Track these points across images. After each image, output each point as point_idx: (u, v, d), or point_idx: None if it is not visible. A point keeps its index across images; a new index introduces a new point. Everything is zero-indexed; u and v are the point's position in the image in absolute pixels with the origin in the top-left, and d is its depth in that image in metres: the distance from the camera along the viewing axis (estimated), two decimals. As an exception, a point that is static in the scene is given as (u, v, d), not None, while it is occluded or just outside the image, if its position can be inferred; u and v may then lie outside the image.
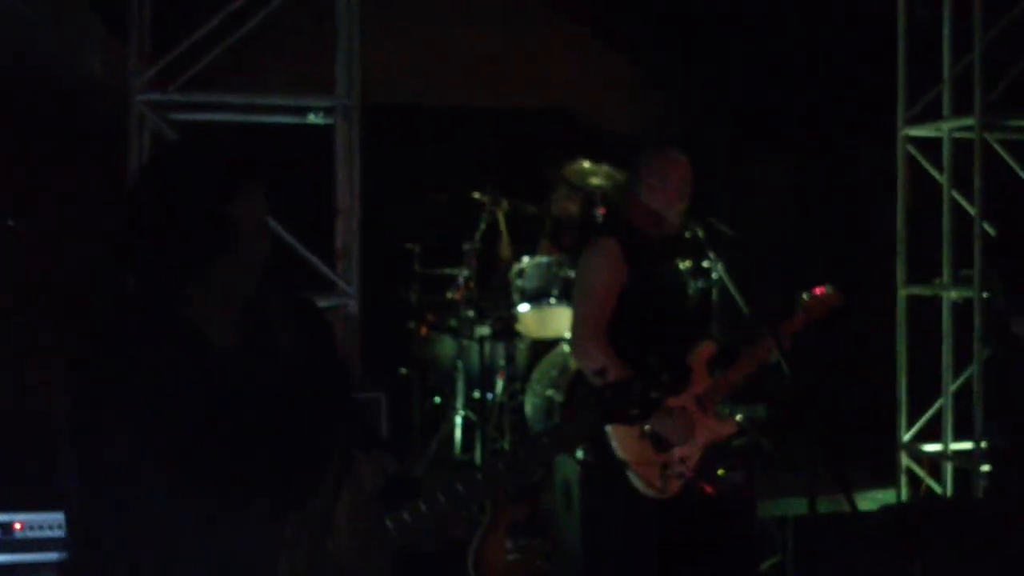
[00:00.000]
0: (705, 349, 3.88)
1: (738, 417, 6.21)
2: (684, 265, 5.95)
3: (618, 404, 2.70)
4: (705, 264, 6.22)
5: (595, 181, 6.12)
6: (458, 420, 6.14)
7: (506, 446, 5.69)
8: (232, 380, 2.26)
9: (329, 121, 5.07)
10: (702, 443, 3.81)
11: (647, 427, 3.67)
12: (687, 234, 6.25)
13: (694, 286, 6.03)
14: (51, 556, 3.65)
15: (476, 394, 6.07)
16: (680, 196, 4.00)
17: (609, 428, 3.74)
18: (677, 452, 3.78)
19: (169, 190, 2.22)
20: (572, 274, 5.61)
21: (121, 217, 2.23)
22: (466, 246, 6.18)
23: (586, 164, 6.07)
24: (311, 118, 5.13)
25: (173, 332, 2.23)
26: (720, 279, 6.24)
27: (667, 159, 4.01)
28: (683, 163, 4.03)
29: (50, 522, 3.68)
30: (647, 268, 3.85)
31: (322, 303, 4.80)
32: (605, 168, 6.08)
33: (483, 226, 6.20)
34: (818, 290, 4.04)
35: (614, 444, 3.74)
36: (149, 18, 5.08)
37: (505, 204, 6.22)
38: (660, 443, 3.74)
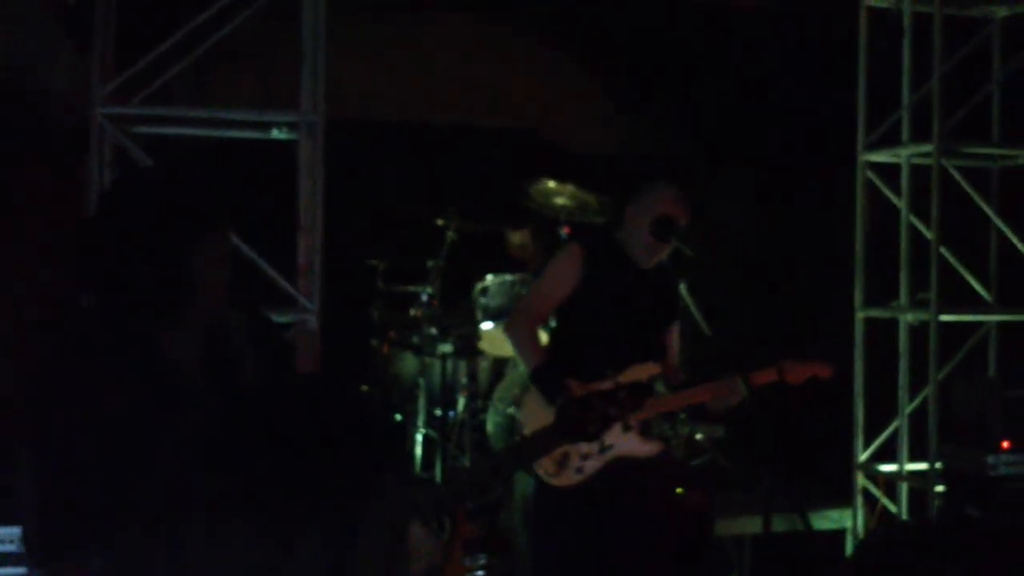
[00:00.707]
0: (647, 369, 3.92)
1: (698, 436, 6.27)
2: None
3: (577, 420, 2.74)
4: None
5: (560, 201, 6.16)
6: (419, 438, 6.14)
7: (467, 464, 5.69)
8: (195, 402, 2.24)
9: (293, 137, 5.07)
10: (613, 454, 3.86)
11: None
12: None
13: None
14: (9, 571, 3.62)
15: (438, 412, 6.07)
16: (649, 238, 4.02)
17: (520, 412, 3.96)
18: (581, 446, 3.83)
19: (126, 234, 2.18)
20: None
21: (80, 242, 2.21)
22: (430, 263, 6.19)
23: (551, 184, 6.11)
24: (275, 133, 5.13)
25: (135, 353, 2.20)
26: (683, 300, 6.30)
27: (657, 194, 4.09)
28: (673, 203, 4.05)
29: (9, 536, 3.65)
30: (606, 278, 3.94)
31: (283, 319, 4.79)
32: (570, 188, 6.12)
33: (447, 244, 6.21)
34: (811, 366, 4.04)
35: (525, 427, 3.94)
36: (114, 31, 5.06)
37: (466, 224, 6.22)
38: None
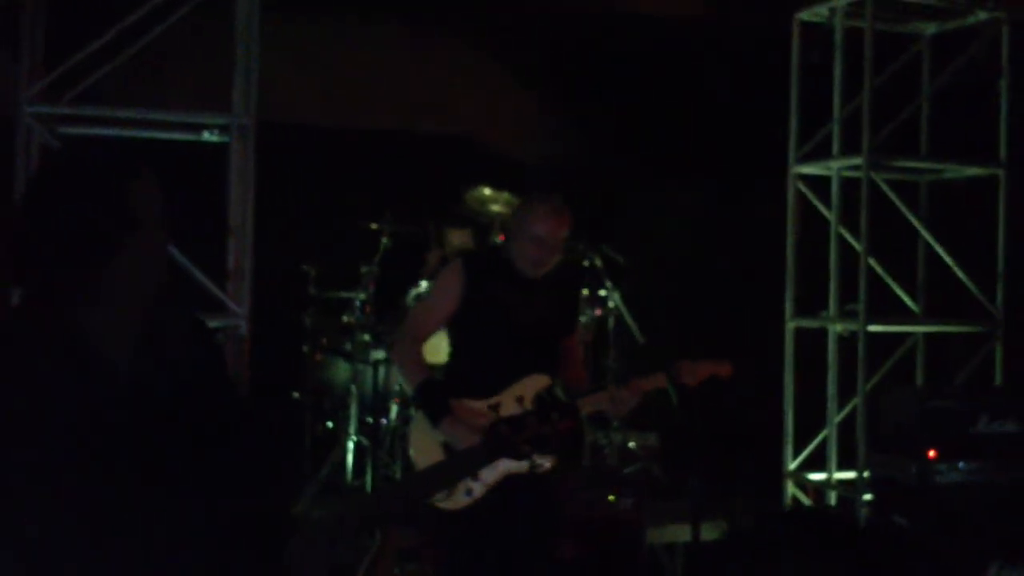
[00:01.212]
0: (537, 380, 3.76)
1: (631, 444, 6.29)
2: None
3: (508, 439, 2.76)
4: (602, 292, 6.29)
5: (495, 208, 6.15)
6: (351, 445, 6.08)
7: (398, 472, 5.65)
8: (123, 394, 2.20)
9: (224, 139, 5.01)
10: (502, 471, 3.63)
11: (441, 435, 3.63)
12: (585, 263, 6.35)
13: (589, 315, 6.08)
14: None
15: (370, 419, 6.02)
16: (533, 251, 3.82)
17: (411, 433, 3.77)
18: None
19: (67, 177, 2.14)
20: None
21: (14, 223, 2.15)
22: (364, 269, 6.15)
23: (487, 191, 6.10)
24: (206, 136, 5.07)
25: (58, 341, 2.15)
26: (616, 307, 6.33)
27: (531, 209, 3.87)
28: (544, 218, 3.81)
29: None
30: (490, 292, 3.80)
31: (212, 324, 4.72)
32: (506, 195, 6.12)
33: (381, 249, 6.17)
34: (708, 366, 3.82)
35: (411, 450, 3.77)
36: (42, 29, 4.98)
37: (400, 229, 6.18)
38: (450, 451, 3.63)
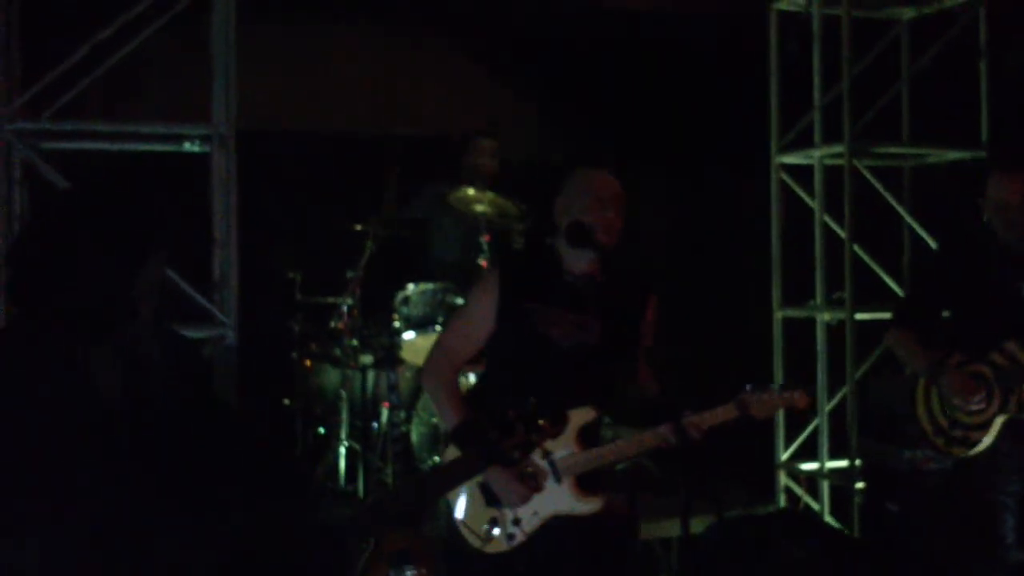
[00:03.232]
0: (582, 415, 3.38)
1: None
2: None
3: (502, 445, 2.76)
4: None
5: (479, 208, 6.14)
6: (342, 451, 6.08)
7: (390, 475, 5.65)
8: (109, 423, 2.20)
9: (205, 149, 5.01)
10: (546, 513, 3.36)
11: (480, 476, 3.31)
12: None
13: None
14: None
15: (360, 424, 6.02)
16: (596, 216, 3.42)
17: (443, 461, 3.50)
18: (510, 512, 3.39)
19: (72, 252, 2.16)
20: (459, 301, 5.62)
21: (16, 256, 2.16)
22: (349, 274, 6.14)
23: (471, 191, 6.09)
24: (187, 146, 5.06)
25: (55, 369, 2.16)
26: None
27: (577, 179, 3.56)
28: (600, 179, 3.52)
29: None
30: (525, 308, 3.40)
31: (198, 335, 4.72)
32: (490, 195, 6.11)
33: (367, 254, 6.17)
34: (795, 397, 3.34)
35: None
36: (19, 45, 4.97)
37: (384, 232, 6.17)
38: (491, 496, 3.40)
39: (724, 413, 3.31)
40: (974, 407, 3.93)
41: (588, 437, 3.41)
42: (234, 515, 2.28)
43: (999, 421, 3.90)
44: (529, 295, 3.43)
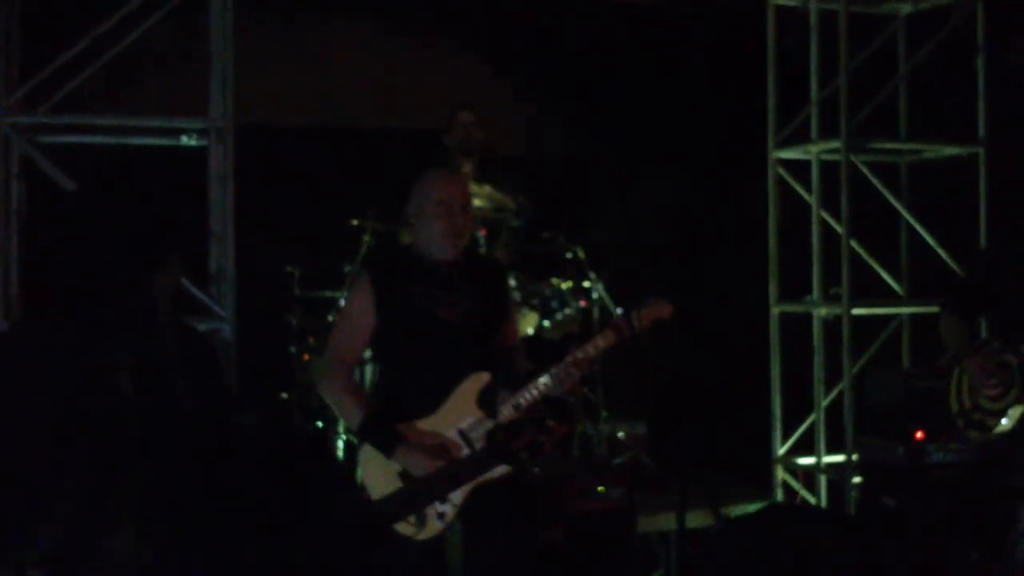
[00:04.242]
0: (477, 381, 3.50)
1: (620, 434, 6.31)
2: (565, 285, 6.02)
3: (505, 446, 2.78)
4: (586, 284, 6.30)
5: (477, 203, 6.14)
6: (340, 444, 6.10)
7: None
8: (125, 417, 2.22)
9: (203, 143, 5.02)
10: (467, 481, 3.43)
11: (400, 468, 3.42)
12: (567, 254, 6.36)
13: (574, 306, 6.08)
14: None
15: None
16: (442, 223, 3.57)
17: (361, 462, 3.53)
18: None
19: (91, 263, 2.18)
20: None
21: (35, 257, 2.20)
22: (347, 268, 6.15)
23: (473, 187, 6.09)
24: (184, 140, 5.07)
25: (73, 370, 2.18)
26: (600, 298, 6.34)
27: (423, 182, 3.70)
28: (438, 181, 3.66)
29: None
30: (402, 294, 3.56)
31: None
32: (487, 189, 6.11)
33: (364, 248, 6.17)
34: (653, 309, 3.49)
35: (364, 480, 3.52)
36: (17, 38, 4.98)
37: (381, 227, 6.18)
38: (410, 479, 3.45)
39: (603, 340, 3.44)
40: (988, 391, 4.03)
41: (487, 401, 3.48)
42: (250, 508, 2.30)
43: (1017, 411, 3.97)
44: (402, 284, 3.58)
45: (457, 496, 3.42)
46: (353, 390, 3.58)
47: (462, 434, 3.46)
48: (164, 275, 2.29)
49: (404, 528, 3.42)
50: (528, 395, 3.43)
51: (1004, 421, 4.00)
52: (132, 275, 2.23)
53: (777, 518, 4.71)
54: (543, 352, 3.96)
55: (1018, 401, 3.97)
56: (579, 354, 3.42)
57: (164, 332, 2.36)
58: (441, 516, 3.42)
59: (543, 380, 3.42)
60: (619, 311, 3.53)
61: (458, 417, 3.45)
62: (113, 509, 2.16)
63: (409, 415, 3.47)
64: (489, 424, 3.45)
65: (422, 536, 3.42)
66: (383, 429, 3.45)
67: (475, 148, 6.04)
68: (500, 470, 3.41)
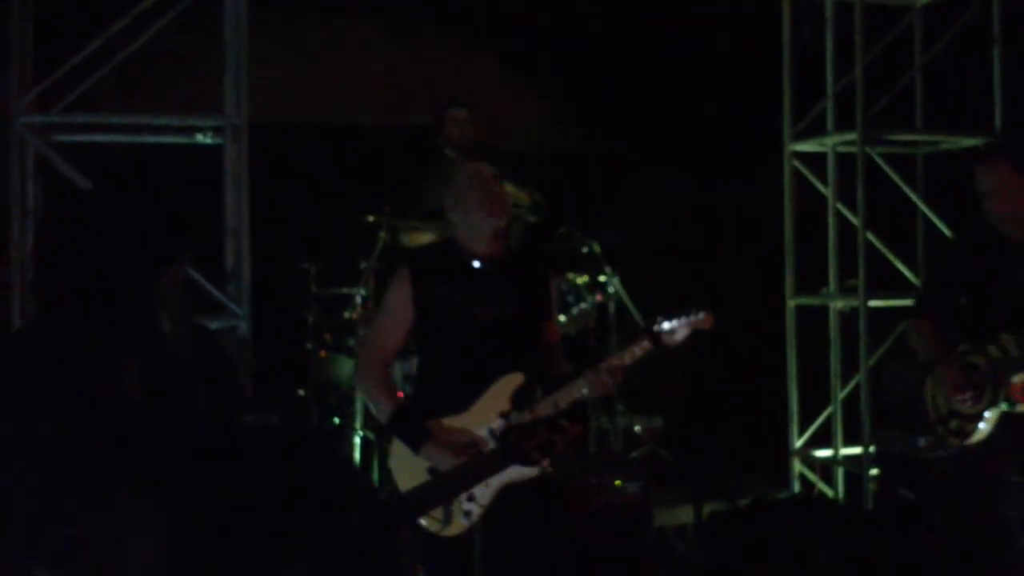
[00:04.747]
0: (511, 381, 3.46)
1: (637, 428, 6.30)
2: (581, 280, 6.01)
3: (518, 446, 2.79)
4: (602, 278, 6.29)
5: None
6: (357, 440, 6.11)
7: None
8: (133, 420, 2.22)
9: (218, 141, 5.03)
10: (497, 484, 3.41)
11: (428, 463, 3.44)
12: (583, 249, 6.35)
13: (590, 301, 6.07)
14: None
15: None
16: (482, 215, 3.54)
17: (392, 455, 3.53)
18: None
19: (98, 263, 2.19)
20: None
21: (42, 256, 2.20)
22: (363, 264, 6.16)
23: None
24: (199, 138, 5.09)
25: (80, 371, 2.19)
26: (616, 293, 6.33)
27: (459, 178, 3.68)
28: (475, 175, 3.63)
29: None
30: (440, 292, 3.55)
31: (212, 325, 4.75)
32: (507, 186, 6.10)
33: (380, 244, 6.18)
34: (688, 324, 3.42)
35: (394, 473, 3.53)
36: (31, 38, 5.00)
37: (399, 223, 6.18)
38: (438, 475, 3.45)
39: (640, 349, 3.37)
40: (959, 406, 3.93)
41: (522, 401, 3.46)
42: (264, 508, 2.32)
43: (993, 413, 3.89)
44: (441, 280, 3.56)
45: (485, 496, 3.41)
46: (385, 384, 3.60)
47: (492, 434, 3.44)
48: (172, 271, 2.28)
49: (430, 523, 3.44)
50: (567, 398, 3.38)
51: (981, 426, 3.91)
52: (145, 274, 2.23)
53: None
54: (565, 348, 3.92)
55: (992, 404, 3.89)
56: (615, 361, 3.38)
57: (174, 331, 2.35)
58: (467, 514, 3.41)
59: (584, 389, 3.37)
60: (658, 319, 3.40)
61: (490, 416, 3.43)
62: (121, 510, 2.16)
63: (441, 411, 3.47)
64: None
65: (447, 532, 3.42)
66: (412, 424, 3.46)
67: (463, 147, 6.03)
68: (529, 472, 3.38)
